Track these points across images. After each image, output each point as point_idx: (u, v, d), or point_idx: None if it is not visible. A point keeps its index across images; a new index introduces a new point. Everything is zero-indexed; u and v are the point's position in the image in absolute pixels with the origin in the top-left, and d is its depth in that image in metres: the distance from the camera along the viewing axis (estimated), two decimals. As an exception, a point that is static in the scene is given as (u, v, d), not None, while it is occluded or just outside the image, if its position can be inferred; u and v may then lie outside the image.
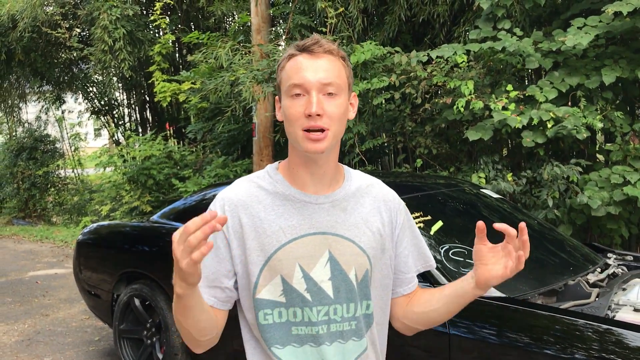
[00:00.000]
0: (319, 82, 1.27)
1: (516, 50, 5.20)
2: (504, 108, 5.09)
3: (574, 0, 5.91)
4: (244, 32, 7.44)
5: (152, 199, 8.62)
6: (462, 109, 5.12)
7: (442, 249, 2.65)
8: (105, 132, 13.34)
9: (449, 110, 5.66)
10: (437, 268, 2.53)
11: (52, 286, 6.34)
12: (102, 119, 12.70)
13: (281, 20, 7.40)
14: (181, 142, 10.17)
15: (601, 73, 5.07)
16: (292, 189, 1.35)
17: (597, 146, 5.75)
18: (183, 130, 10.17)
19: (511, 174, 5.30)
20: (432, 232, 2.75)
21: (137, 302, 3.74)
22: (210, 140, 8.39)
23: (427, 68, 5.74)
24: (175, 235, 1.08)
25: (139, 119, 12.30)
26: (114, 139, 12.78)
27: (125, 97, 11.97)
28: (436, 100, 5.54)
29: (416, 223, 2.74)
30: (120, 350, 3.86)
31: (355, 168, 6.72)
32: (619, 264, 3.15)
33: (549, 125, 5.00)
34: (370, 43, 5.87)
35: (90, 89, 11.96)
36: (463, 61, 5.49)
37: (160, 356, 3.62)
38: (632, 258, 3.29)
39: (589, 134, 5.07)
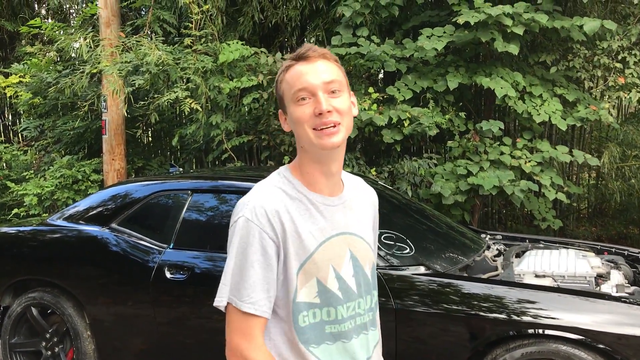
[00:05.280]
0: (323, 82, 1.35)
1: (376, 56, 5.71)
2: (367, 109, 5.58)
3: (412, 13, 6.64)
4: (91, 24, 7.04)
5: (-23, 203, 7.76)
6: (333, 109, 5.49)
7: (375, 235, 2.95)
8: None
9: (314, 110, 6.03)
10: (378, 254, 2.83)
11: None
12: None
13: (138, 14, 7.13)
14: (5, 140, 9.21)
15: (446, 78, 5.80)
16: (312, 193, 1.40)
17: (442, 143, 6.52)
18: (10, 128, 9.25)
19: (374, 168, 5.82)
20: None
21: (35, 311, 3.49)
22: (49, 139, 7.78)
23: (291, 69, 6.03)
24: None
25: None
26: None
27: None
28: (305, 100, 5.84)
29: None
30: (12, 366, 3.57)
31: (224, 165, 6.76)
32: (494, 242, 3.74)
33: (406, 124, 5.59)
34: (237, 42, 5.99)
35: None
36: (326, 64, 5.87)
37: (68, 366, 3.44)
38: (500, 237, 3.93)
39: (437, 131, 5.77)
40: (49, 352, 3.50)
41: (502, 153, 5.82)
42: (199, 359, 3.11)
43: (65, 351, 3.49)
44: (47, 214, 7.04)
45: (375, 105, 5.57)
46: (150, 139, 8.15)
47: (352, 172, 5.92)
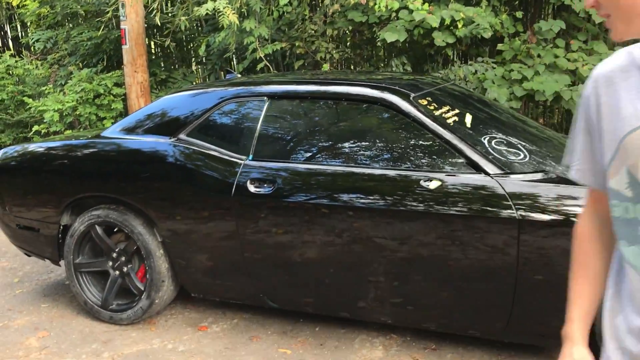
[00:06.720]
0: None
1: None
2: (419, 8, 5.15)
3: None
4: None
5: (-8, 121, 7.40)
6: (383, 8, 5.07)
7: (484, 139, 2.67)
8: None
9: (355, 12, 5.59)
10: (487, 159, 2.57)
11: None
12: None
13: None
14: (15, 54, 8.70)
15: (499, -26, 5.34)
16: None
17: (488, 47, 6.12)
18: (14, 41, 8.71)
19: (425, 74, 5.46)
20: (468, 125, 2.74)
21: (99, 230, 3.25)
22: (63, 50, 7.30)
23: (330, -34, 5.55)
24: None
25: None
26: None
27: None
28: (350, 0, 5.40)
29: (449, 117, 2.72)
30: (78, 287, 3.36)
31: (259, 74, 6.33)
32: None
33: (460, 25, 5.19)
34: (272, -63, 5.47)
35: None
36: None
37: (141, 285, 3.23)
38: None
39: (492, 33, 5.38)
40: (117, 272, 3.29)
41: (556, 56, 5.47)
42: (287, 275, 2.91)
43: (135, 270, 3.28)
44: (69, 130, 6.70)
45: (427, 5, 5.14)
46: (170, 49, 7.67)
47: (399, 78, 5.57)
